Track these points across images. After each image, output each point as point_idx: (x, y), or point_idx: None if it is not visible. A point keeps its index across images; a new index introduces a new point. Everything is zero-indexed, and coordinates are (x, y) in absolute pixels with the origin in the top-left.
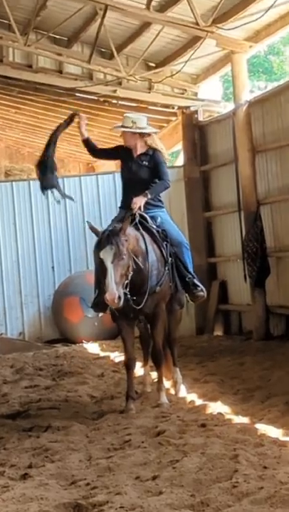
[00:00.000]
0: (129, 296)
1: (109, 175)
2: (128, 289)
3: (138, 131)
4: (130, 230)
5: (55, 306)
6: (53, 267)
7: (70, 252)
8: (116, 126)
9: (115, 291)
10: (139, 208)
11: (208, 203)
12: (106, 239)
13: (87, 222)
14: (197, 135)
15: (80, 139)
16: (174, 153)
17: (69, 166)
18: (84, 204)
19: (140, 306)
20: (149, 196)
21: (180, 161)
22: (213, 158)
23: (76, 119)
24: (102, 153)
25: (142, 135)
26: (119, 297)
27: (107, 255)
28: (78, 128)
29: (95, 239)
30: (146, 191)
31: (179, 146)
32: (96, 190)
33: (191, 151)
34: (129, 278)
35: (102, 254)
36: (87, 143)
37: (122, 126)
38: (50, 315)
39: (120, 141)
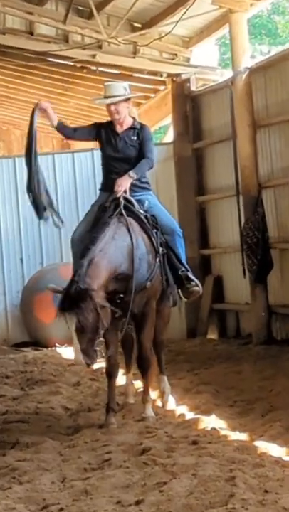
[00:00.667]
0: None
1: (87, 152)
2: (112, 286)
3: (130, 95)
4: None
5: (24, 304)
6: (21, 259)
7: (41, 242)
8: (107, 97)
9: (82, 359)
10: (124, 191)
11: (201, 186)
12: (69, 303)
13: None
14: (189, 107)
15: (51, 127)
16: (162, 128)
17: (41, 142)
18: (58, 186)
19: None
20: (135, 177)
21: (169, 137)
22: (208, 134)
23: (39, 112)
24: (80, 134)
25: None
26: (90, 359)
27: (70, 321)
28: (45, 117)
29: (72, 225)
30: (130, 171)
31: (168, 120)
32: (72, 170)
33: (182, 126)
34: (101, 334)
35: (64, 318)
36: (60, 128)
37: (111, 97)
38: (19, 314)
39: (97, 117)
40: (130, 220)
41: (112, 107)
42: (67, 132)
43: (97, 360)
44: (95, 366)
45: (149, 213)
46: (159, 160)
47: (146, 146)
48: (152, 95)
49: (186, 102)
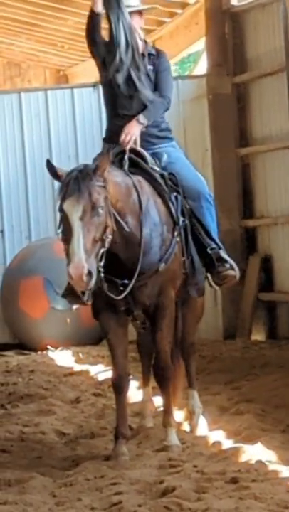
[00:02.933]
0: (103, 276)
1: (90, 88)
2: (113, 266)
3: (146, 7)
4: (114, 174)
5: (6, 292)
6: (2, 232)
7: (29, 210)
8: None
9: (83, 262)
10: (134, 142)
11: (244, 134)
12: (72, 184)
13: (47, 161)
14: (229, 28)
15: (91, 8)
16: (191, 56)
17: (29, 74)
18: (52, 133)
19: (124, 294)
20: (145, 123)
21: (201, 68)
22: (254, 63)
23: None
24: (101, 46)
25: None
26: (90, 273)
27: (72, 208)
28: None
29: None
30: (139, 116)
31: (201, 45)
32: (71, 112)
33: (218, 53)
34: (107, 245)
35: (65, 207)
36: (95, 20)
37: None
38: None
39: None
40: (138, 178)
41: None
42: (97, 28)
43: (93, 281)
44: (100, 377)
45: (167, 171)
46: (187, 99)
47: (163, 80)
48: (179, 11)
49: (225, 20)
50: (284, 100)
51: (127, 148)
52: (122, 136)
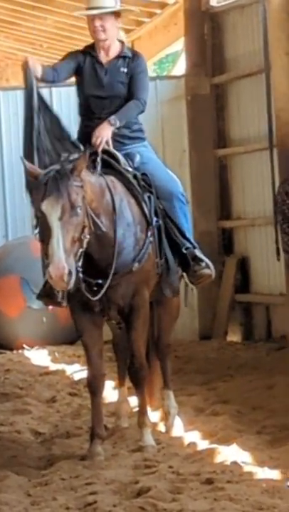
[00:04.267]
0: (82, 276)
1: (69, 88)
2: (86, 266)
3: (123, 8)
4: (89, 174)
5: None
6: None
7: (5, 209)
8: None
9: (63, 262)
10: (107, 144)
11: (222, 135)
12: (51, 184)
13: (22, 158)
14: (208, 28)
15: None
16: (170, 57)
17: (7, 73)
18: None
19: (100, 295)
20: (117, 124)
21: (180, 68)
22: (233, 64)
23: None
24: (65, 72)
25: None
26: (70, 272)
27: (51, 208)
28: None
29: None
30: (111, 117)
31: (179, 46)
32: None
33: (197, 54)
34: (85, 245)
35: (44, 207)
36: (45, 77)
37: (89, 8)
38: None
39: (83, 40)
40: (111, 178)
41: (98, 23)
42: (52, 76)
43: (72, 281)
44: (76, 376)
45: (140, 171)
46: (165, 100)
47: (138, 82)
48: (158, 11)
49: (204, 21)
50: (262, 102)
51: (99, 150)
52: (94, 139)
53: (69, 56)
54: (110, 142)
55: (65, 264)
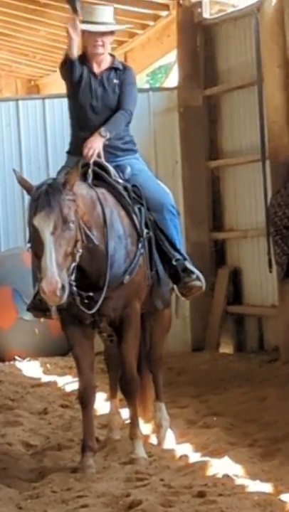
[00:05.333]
0: (76, 290)
1: (62, 99)
2: (78, 280)
3: (120, 28)
4: (81, 187)
5: None
6: None
7: None
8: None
9: (56, 277)
10: (98, 155)
11: (215, 147)
12: (43, 198)
13: (14, 170)
14: (200, 40)
15: (67, 54)
16: (162, 68)
17: (0, 84)
18: (22, 143)
19: (96, 308)
20: (107, 136)
21: (172, 80)
22: (225, 76)
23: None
24: (74, 80)
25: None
26: (63, 287)
27: (43, 223)
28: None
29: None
30: (101, 129)
31: (172, 58)
32: (42, 122)
33: (190, 66)
34: (77, 259)
35: (36, 222)
36: (71, 65)
37: (92, 23)
38: None
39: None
40: (102, 190)
41: (99, 38)
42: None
43: (65, 296)
44: (67, 388)
45: (130, 183)
46: (158, 111)
47: (126, 94)
48: (151, 23)
49: (197, 33)
50: (254, 113)
51: (91, 161)
52: (85, 151)
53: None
54: (102, 153)
55: (58, 278)
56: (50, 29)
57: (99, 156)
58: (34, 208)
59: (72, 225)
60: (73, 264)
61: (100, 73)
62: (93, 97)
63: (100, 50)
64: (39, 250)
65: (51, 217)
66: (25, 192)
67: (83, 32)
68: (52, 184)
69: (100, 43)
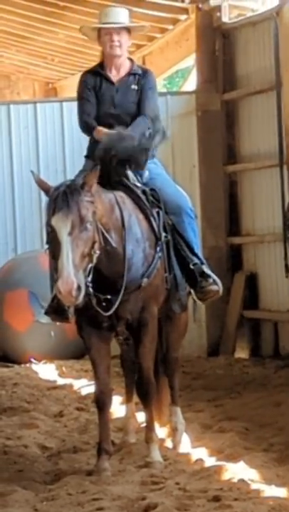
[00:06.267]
0: (93, 291)
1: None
2: (95, 281)
3: (137, 25)
4: (99, 190)
5: None
6: None
7: (15, 222)
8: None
9: (72, 277)
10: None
11: (232, 152)
12: (61, 199)
13: (32, 172)
14: (219, 44)
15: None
16: (180, 72)
17: (18, 86)
18: (40, 146)
19: (113, 310)
20: None
21: (191, 84)
22: (243, 81)
23: None
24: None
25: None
26: (79, 287)
27: (61, 223)
28: None
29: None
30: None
31: (190, 62)
32: (60, 125)
33: (208, 70)
34: (95, 261)
35: (54, 222)
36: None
37: (107, 23)
38: None
39: (95, 55)
40: (120, 194)
41: (116, 38)
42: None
43: (82, 296)
44: (83, 391)
45: (149, 187)
46: (176, 115)
47: (146, 99)
48: (170, 27)
49: (216, 37)
50: (273, 118)
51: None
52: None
53: (83, 83)
54: None
55: (74, 279)
56: (68, 32)
57: None
58: (52, 209)
59: (89, 226)
60: (90, 265)
61: (119, 80)
62: (110, 105)
63: (117, 51)
64: (56, 251)
65: (69, 218)
66: (42, 195)
67: (100, 34)
68: (70, 185)
69: (117, 43)
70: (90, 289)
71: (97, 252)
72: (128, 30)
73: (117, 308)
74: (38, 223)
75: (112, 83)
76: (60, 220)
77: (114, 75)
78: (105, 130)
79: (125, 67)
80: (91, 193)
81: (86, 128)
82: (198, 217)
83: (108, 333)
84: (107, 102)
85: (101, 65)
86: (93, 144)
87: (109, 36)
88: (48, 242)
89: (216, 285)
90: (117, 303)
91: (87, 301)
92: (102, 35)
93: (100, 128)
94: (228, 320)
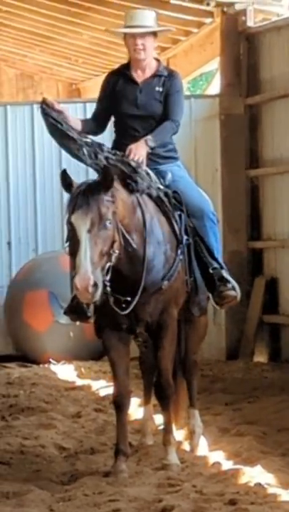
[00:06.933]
0: (112, 292)
1: None
2: (115, 283)
3: (161, 29)
4: (121, 192)
5: (11, 303)
6: (9, 243)
7: (36, 223)
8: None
9: (90, 274)
10: (141, 163)
11: (255, 156)
12: (81, 197)
13: (63, 170)
14: (244, 48)
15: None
16: (204, 76)
17: (41, 86)
18: None
19: (130, 309)
20: (152, 145)
21: (214, 88)
22: (267, 85)
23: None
24: (103, 115)
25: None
26: (96, 285)
27: (80, 221)
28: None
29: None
30: (148, 137)
31: (214, 65)
32: None
33: (232, 74)
34: (114, 260)
35: (74, 219)
36: (84, 129)
37: (132, 27)
38: (2, 317)
39: (119, 56)
40: (142, 196)
41: (139, 41)
42: (92, 126)
43: (99, 294)
44: (101, 392)
45: (171, 189)
46: (199, 118)
47: (173, 103)
48: (195, 30)
49: (240, 41)
50: None
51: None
52: (131, 156)
53: (105, 85)
54: (144, 162)
55: (91, 275)
56: (92, 33)
57: (142, 163)
58: (72, 207)
59: (109, 225)
60: (108, 264)
61: (143, 81)
62: (134, 106)
63: (141, 55)
64: (75, 248)
65: (88, 216)
66: (64, 196)
67: (125, 36)
68: (91, 184)
69: (141, 46)
70: (108, 288)
71: (116, 251)
72: (154, 33)
73: (136, 310)
74: (59, 224)
75: (135, 83)
76: (79, 218)
77: (138, 76)
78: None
79: (151, 68)
80: (112, 193)
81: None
82: (219, 221)
83: (127, 335)
84: (130, 102)
85: (127, 66)
86: (117, 146)
87: (133, 40)
88: (67, 240)
89: (234, 291)
90: (134, 302)
91: (106, 301)
92: (127, 37)
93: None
94: (248, 324)
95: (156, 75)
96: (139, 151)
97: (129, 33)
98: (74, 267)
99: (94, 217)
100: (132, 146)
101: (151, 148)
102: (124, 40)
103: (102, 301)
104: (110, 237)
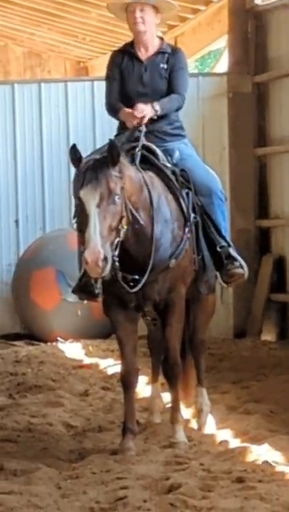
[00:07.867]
0: (120, 271)
1: None
2: (123, 262)
3: (157, 0)
4: (129, 170)
5: (18, 282)
6: (16, 221)
7: (44, 201)
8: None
9: (100, 248)
10: (143, 121)
11: (262, 134)
12: (90, 172)
13: (73, 145)
14: (251, 26)
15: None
16: (212, 54)
17: (49, 65)
18: (70, 125)
19: (138, 288)
20: (158, 111)
21: (222, 66)
22: (275, 63)
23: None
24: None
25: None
26: (106, 259)
27: (90, 195)
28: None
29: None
30: (155, 103)
31: (222, 43)
32: (90, 104)
33: (240, 52)
34: (122, 236)
35: (82, 194)
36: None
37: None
38: (9, 296)
39: (127, 34)
40: (150, 174)
41: (138, 14)
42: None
43: (108, 268)
44: (109, 370)
45: (179, 167)
46: (207, 97)
47: (178, 78)
48: (202, 8)
49: (248, 19)
50: None
51: (142, 122)
52: (135, 112)
53: (112, 63)
54: (147, 118)
55: (100, 249)
56: (100, 11)
57: (145, 122)
58: (81, 181)
59: (118, 200)
60: (117, 240)
61: (147, 59)
62: (139, 84)
63: (140, 27)
64: (84, 223)
65: (97, 190)
66: (71, 173)
67: (127, 14)
68: (99, 159)
69: (140, 19)
70: (117, 264)
71: (125, 227)
72: (154, 8)
73: (144, 289)
74: (67, 202)
75: (140, 61)
76: (88, 193)
77: (142, 54)
78: (129, 110)
79: (154, 45)
80: (120, 169)
81: (111, 110)
82: (227, 199)
83: (135, 313)
84: (136, 80)
85: (131, 44)
86: (123, 123)
87: (133, 13)
88: (75, 215)
89: (241, 268)
90: (143, 281)
91: (114, 279)
92: (128, 13)
93: (126, 109)
94: (256, 302)
95: (159, 52)
96: (145, 110)
97: (130, 7)
98: (82, 243)
99: (103, 192)
100: (140, 104)
101: (157, 119)
102: (126, 19)
103: (110, 278)
104: (119, 212)
